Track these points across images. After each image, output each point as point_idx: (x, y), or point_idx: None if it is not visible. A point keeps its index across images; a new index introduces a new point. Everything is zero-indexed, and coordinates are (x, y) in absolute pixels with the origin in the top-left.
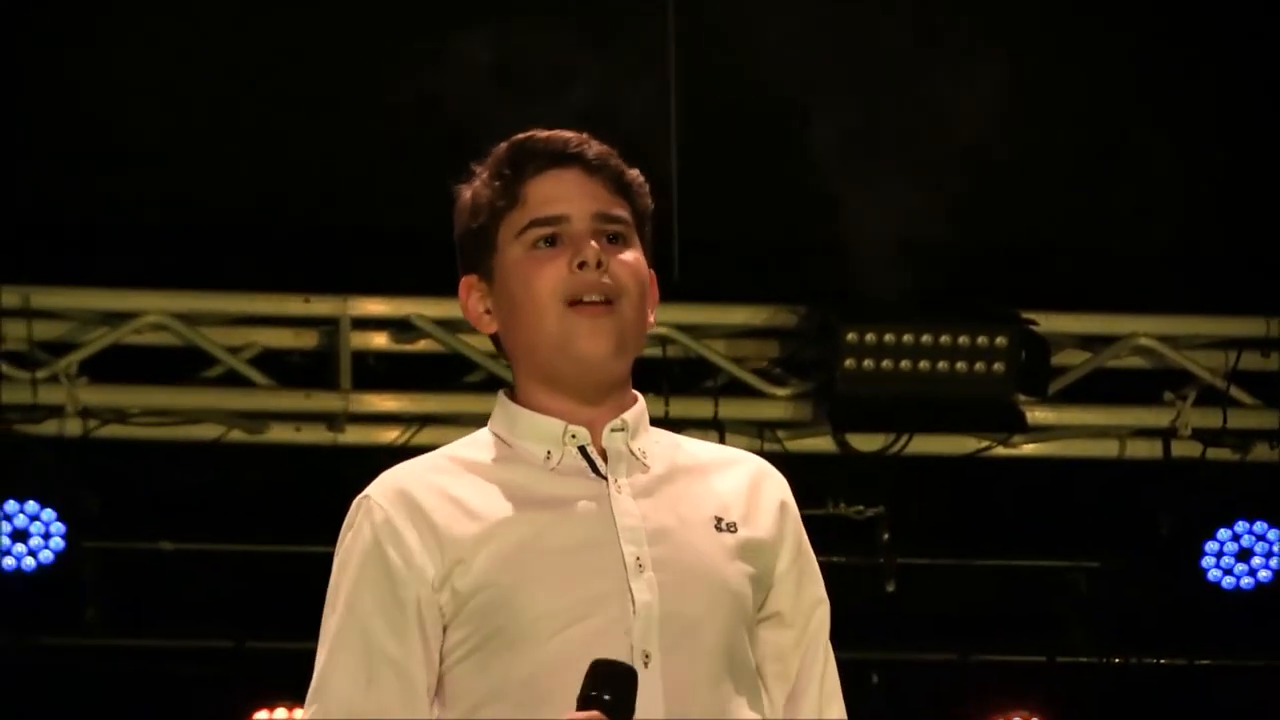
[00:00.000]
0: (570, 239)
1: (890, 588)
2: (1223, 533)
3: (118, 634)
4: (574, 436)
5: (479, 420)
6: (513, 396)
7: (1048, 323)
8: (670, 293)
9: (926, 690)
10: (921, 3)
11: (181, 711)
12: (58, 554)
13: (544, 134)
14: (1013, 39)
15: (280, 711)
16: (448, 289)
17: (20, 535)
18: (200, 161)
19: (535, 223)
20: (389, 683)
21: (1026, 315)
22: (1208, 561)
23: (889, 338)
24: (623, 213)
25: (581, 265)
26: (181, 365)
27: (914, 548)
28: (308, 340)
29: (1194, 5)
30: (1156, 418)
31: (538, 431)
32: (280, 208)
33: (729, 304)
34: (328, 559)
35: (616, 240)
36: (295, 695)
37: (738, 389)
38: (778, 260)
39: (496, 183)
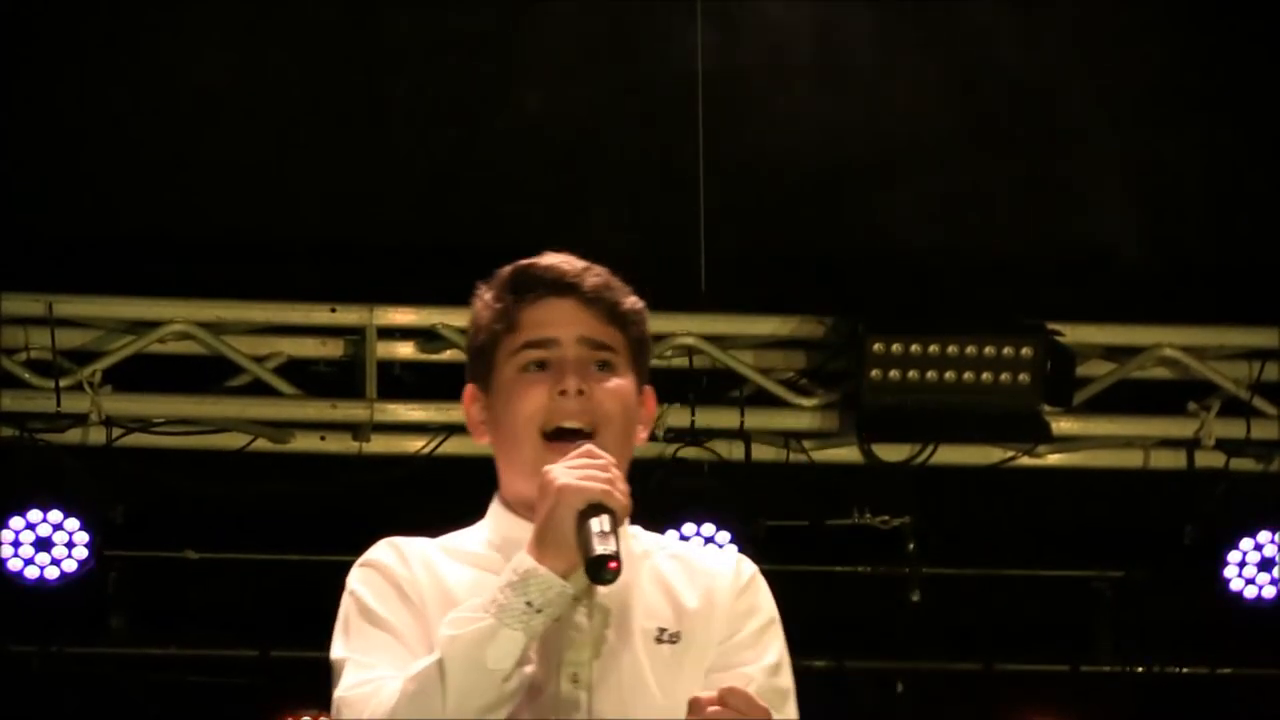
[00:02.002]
0: (557, 364)
1: (915, 597)
2: (1246, 542)
3: (142, 643)
4: None
5: None
6: (500, 498)
7: (1073, 334)
8: (697, 303)
9: (951, 699)
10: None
11: None
12: (82, 563)
13: (545, 261)
14: (1044, 45)
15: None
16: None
17: (45, 544)
18: (226, 171)
19: (527, 345)
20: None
21: (1052, 326)
22: (1230, 571)
23: (915, 348)
24: (613, 341)
25: (563, 393)
26: (206, 374)
27: (939, 557)
28: (333, 349)
29: (1226, 20)
30: (1180, 428)
31: (517, 532)
32: (307, 217)
33: (756, 314)
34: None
35: (605, 367)
36: (319, 703)
37: (764, 399)
38: (804, 271)
39: (497, 305)
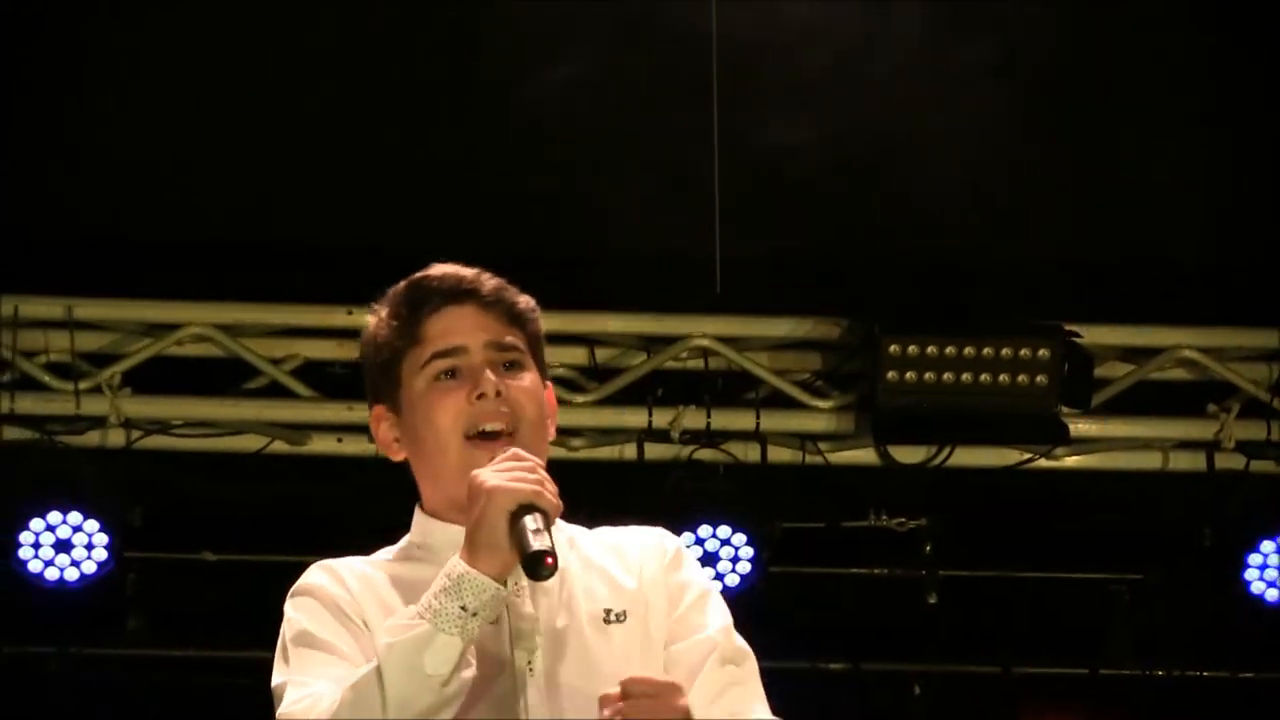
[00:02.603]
0: (469, 370)
1: (932, 600)
2: (1266, 545)
3: (160, 644)
4: None
5: None
6: (423, 508)
7: (1091, 335)
8: (712, 305)
9: (968, 702)
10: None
11: None
12: (101, 565)
13: (438, 272)
14: (1047, 47)
15: None
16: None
17: (63, 546)
18: (244, 174)
19: (436, 355)
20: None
21: (1069, 327)
22: (1251, 574)
23: (931, 350)
24: (517, 340)
25: (480, 396)
26: (224, 376)
27: (956, 560)
28: (350, 351)
29: (1243, 22)
30: (1200, 430)
31: (448, 538)
32: (324, 220)
33: (771, 316)
34: None
35: (513, 367)
36: None
37: (780, 401)
38: (820, 272)
39: (395, 322)
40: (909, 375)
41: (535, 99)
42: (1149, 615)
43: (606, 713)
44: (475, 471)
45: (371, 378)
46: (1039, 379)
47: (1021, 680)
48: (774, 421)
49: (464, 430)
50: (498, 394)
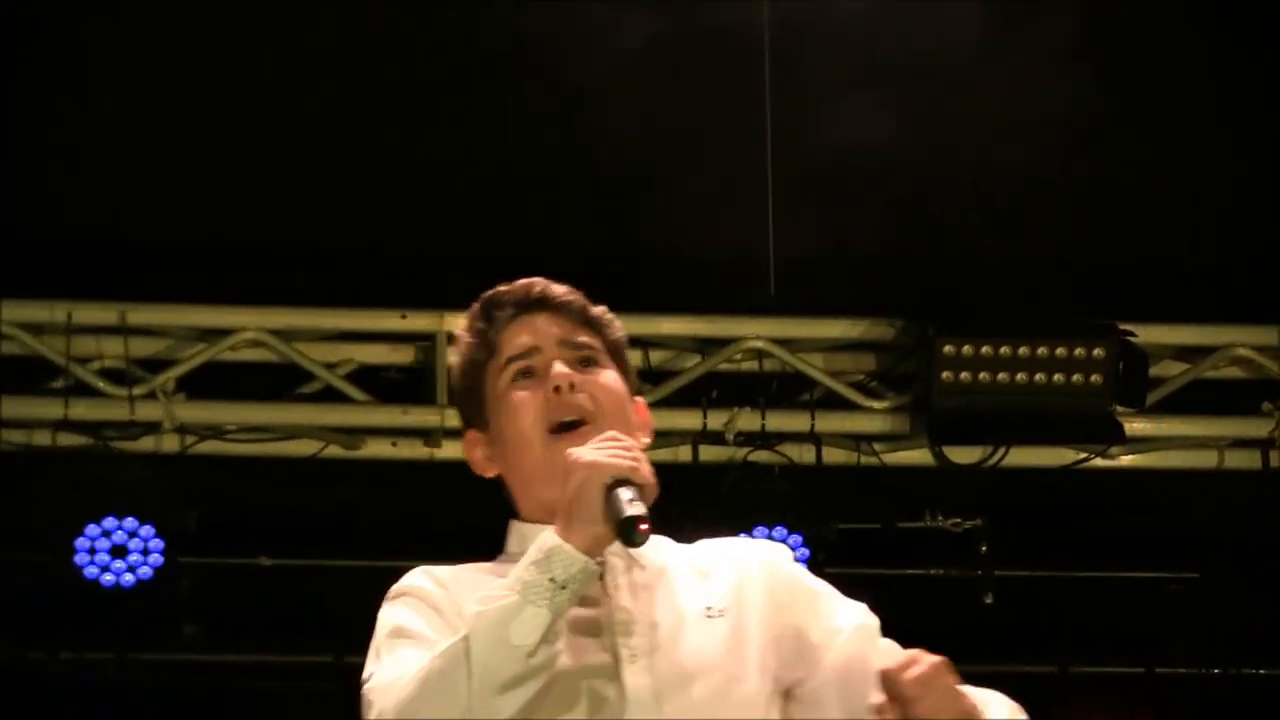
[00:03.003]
0: (544, 368)
1: (988, 600)
2: None
3: (215, 649)
4: None
5: None
6: (519, 519)
7: (1145, 334)
8: (767, 307)
9: (1025, 702)
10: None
11: None
12: (156, 569)
13: (506, 286)
14: (1109, 46)
15: None
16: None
17: (119, 551)
18: (297, 178)
19: (510, 360)
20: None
21: (1124, 327)
22: None
23: (986, 350)
24: (592, 341)
25: (555, 390)
26: (278, 381)
27: (1012, 560)
28: (404, 356)
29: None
30: (1255, 428)
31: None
32: (377, 224)
33: (825, 317)
34: None
35: (589, 364)
36: None
37: (834, 402)
38: (874, 273)
39: (473, 339)
40: (964, 375)
41: (586, 99)
42: (1205, 614)
43: (899, 678)
44: (571, 449)
45: (461, 404)
46: (1094, 378)
47: (1078, 680)
48: (829, 423)
49: (545, 426)
50: (572, 386)
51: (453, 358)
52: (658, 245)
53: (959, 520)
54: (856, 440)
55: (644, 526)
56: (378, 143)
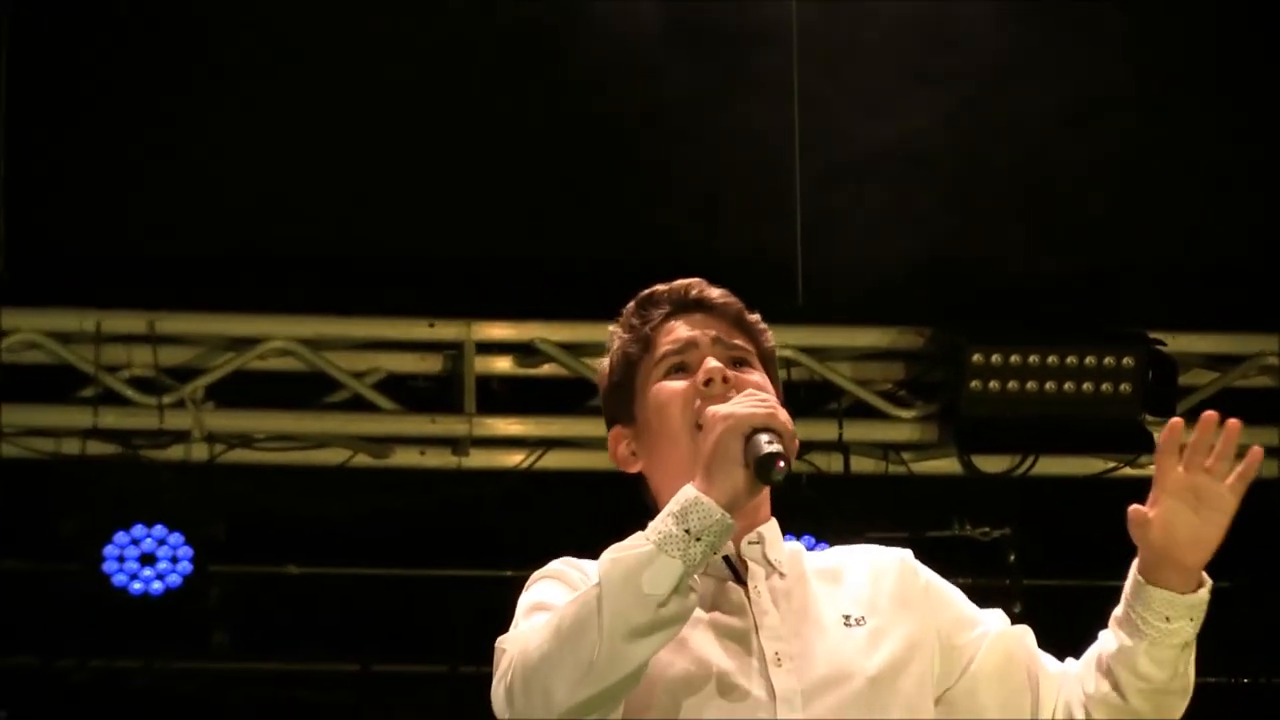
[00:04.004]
0: (697, 366)
1: (1017, 609)
2: None
3: (244, 657)
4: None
5: (602, 444)
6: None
7: (1175, 343)
8: (795, 315)
9: None
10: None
11: None
12: (185, 578)
13: (665, 285)
14: (1145, 53)
15: None
16: (571, 313)
17: (147, 559)
18: (324, 188)
19: (665, 355)
20: None
21: (1153, 335)
22: None
23: (1015, 359)
24: (746, 344)
25: (708, 383)
26: (306, 390)
27: (1041, 569)
28: (432, 364)
29: None
30: None
31: None
32: (404, 232)
33: (854, 326)
34: (452, 582)
35: (742, 364)
36: (420, 718)
37: (863, 411)
38: (902, 282)
39: (628, 334)
40: (992, 384)
41: (611, 104)
42: (1236, 623)
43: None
44: (710, 408)
45: (608, 401)
46: (1123, 387)
47: None
48: (857, 432)
49: (694, 419)
50: (725, 379)
51: (602, 363)
52: (685, 252)
53: (987, 529)
54: (885, 449)
55: (781, 464)
56: (405, 152)
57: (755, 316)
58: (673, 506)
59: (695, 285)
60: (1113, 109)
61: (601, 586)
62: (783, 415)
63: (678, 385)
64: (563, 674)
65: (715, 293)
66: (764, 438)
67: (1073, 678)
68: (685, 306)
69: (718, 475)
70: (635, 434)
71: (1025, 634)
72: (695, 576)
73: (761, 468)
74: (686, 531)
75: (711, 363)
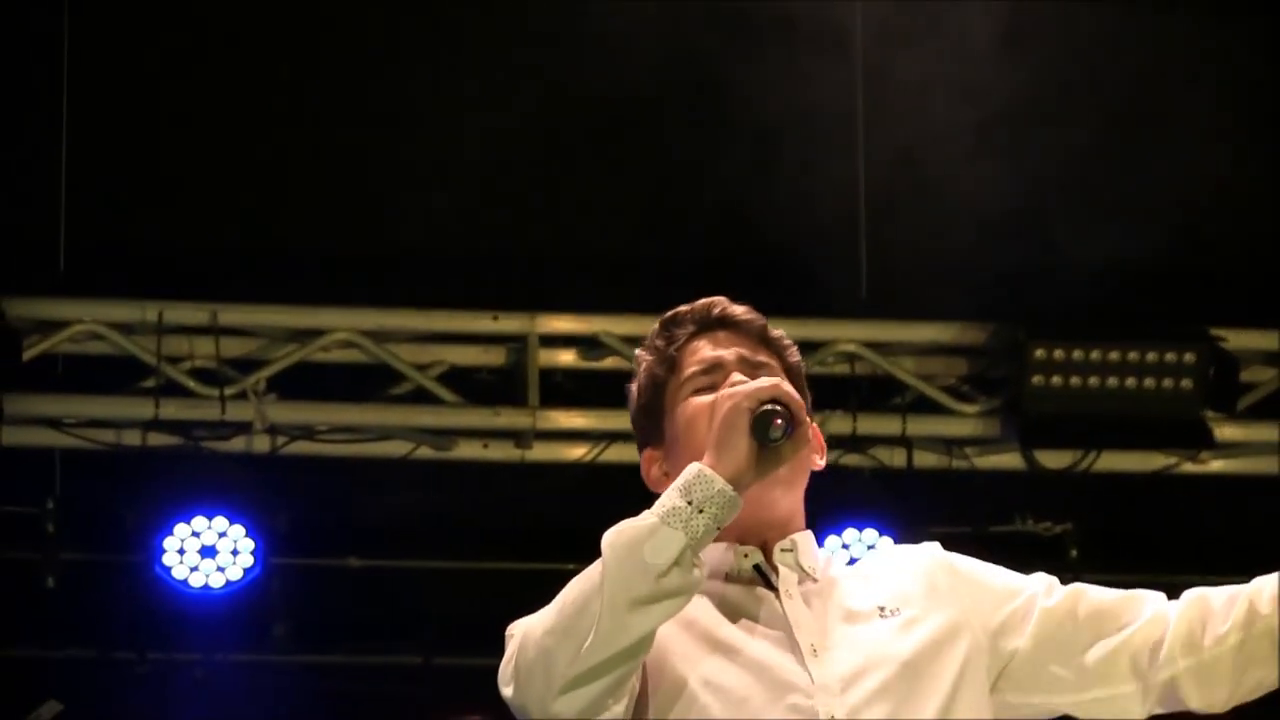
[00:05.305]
0: (723, 383)
1: None
2: None
3: (305, 650)
4: (746, 556)
5: None
6: None
7: (1236, 339)
8: (858, 310)
9: None
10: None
11: None
12: (247, 570)
13: (687, 306)
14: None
15: None
16: (635, 306)
17: (209, 552)
18: (389, 182)
19: (692, 375)
20: None
21: (1215, 331)
22: None
23: (1077, 354)
24: (771, 360)
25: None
26: (369, 382)
27: (1102, 564)
28: (496, 357)
29: None
30: None
31: (718, 552)
32: (469, 225)
33: (917, 321)
34: (515, 575)
35: None
36: (482, 711)
37: (926, 406)
38: (966, 277)
39: (653, 356)
40: (1054, 380)
41: (677, 104)
42: None
43: None
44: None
45: (638, 424)
46: (1184, 383)
47: None
48: (920, 426)
49: None
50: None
51: (631, 388)
52: (750, 247)
53: (1049, 524)
54: (948, 444)
55: (779, 421)
56: (469, 147)
57: (779, 333)
58: (678, 481)
59: (718, 304)
60: (1172, 107)
61: (605, 559)
62: (786, 385)
63: (705, 400)
64: (565, 645)
65: (739, 310)
66: (768, 408)
67: (1205, 602)
68: (709, 325)
69: (723, 449)
70: (666, 454)
71: (1073, 588)
72: (700, 555)
73: (759, 427)
74: (689, 504)
75: (737, 377)
